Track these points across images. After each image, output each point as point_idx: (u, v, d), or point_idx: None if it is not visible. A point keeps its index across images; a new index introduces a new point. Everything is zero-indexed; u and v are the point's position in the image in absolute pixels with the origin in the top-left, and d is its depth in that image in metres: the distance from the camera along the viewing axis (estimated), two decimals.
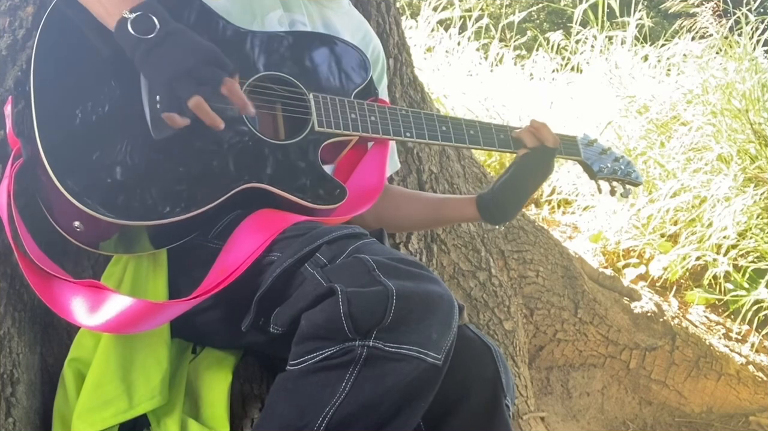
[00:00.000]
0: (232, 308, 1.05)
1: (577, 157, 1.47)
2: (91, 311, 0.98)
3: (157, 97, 1.04)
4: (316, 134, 1.19)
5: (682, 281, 3.03)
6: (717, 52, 3.97)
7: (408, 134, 1.27)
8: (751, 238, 2.97)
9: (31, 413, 1.05)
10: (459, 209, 1.41)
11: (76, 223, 0.98)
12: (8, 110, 1.08)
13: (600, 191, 1.53)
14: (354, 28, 1.42)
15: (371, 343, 0.87)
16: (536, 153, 1.35)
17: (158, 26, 0.99)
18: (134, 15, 0.99)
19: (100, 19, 1.03)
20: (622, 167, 1.53)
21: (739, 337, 2.82)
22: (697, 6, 4.19)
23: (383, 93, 1.47)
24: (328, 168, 1.24)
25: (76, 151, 0.99)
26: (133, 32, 0.99)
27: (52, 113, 0.99)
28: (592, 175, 1.50)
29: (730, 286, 2.93)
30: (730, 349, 2.61)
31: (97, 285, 1.01)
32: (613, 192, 1.54)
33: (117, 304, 0.97)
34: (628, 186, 1.54)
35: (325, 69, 1.27)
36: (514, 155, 1.38)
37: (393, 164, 1.51)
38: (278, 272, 0.97)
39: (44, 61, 1.02)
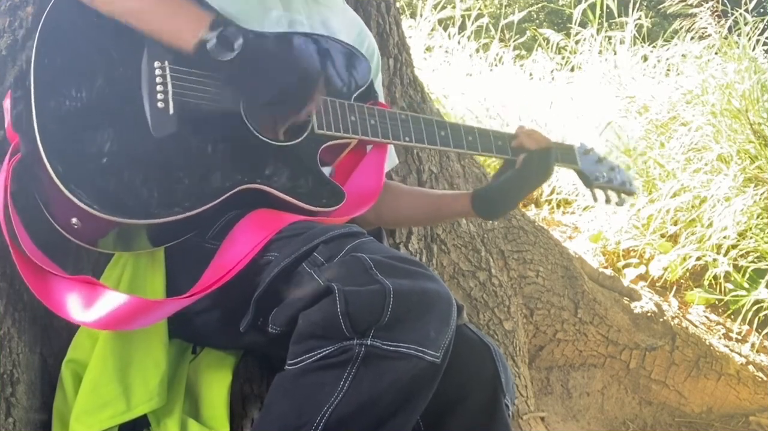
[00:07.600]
0: (231, 309, 1.05)
1: (574, 165, 1.49)
2: (85, 307, 0.97)
3: (157, 95, 1.04)
4: (315, 136, 1.19)
5: (682, 281, 3.03)
6: (716, 53, 3.96)
7: (407, 139, 1.28)
8: (751, 238, 2.97)
9: (31, 413, 1.04)
10: (452, 204, 1.42)
11: (74, 220, 0.98)
12: (7, 104, 1.07)
13: (595, 199, 1.54)
14: (350, 26, 1.43)
15: (369, 342, 0.87)
16: (537, 156, 1.36)
17: (236, 44, 1.04)
18: (214, 34, 1.03)
19: (170, 42, 1.06)
20: (618, 176, 1.54)
21: (739, 337, 2.82)
22: (696, 6, 4.19)
23: (378, 88, 1.47)
24: (326, 170, 1.24)
25: (75, 148, 0.99)
26: (215, 55, 1.04)
27: (52, 110, 0.99)
28: (588, 183, 1.51)
29: (730, 286, 2.93)
30: (730, 349, 2.61)
31: (91, 281, 1.00)
32: (608, 201, 1.54)
33: (111, 300, 0.97)
34: (623, 196, 1.55)
35: (326, 71, 1.27)
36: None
37: (391, 159, 1.51)
38: (276, 271, 0.97)
39: (44, 58, 1.01)
